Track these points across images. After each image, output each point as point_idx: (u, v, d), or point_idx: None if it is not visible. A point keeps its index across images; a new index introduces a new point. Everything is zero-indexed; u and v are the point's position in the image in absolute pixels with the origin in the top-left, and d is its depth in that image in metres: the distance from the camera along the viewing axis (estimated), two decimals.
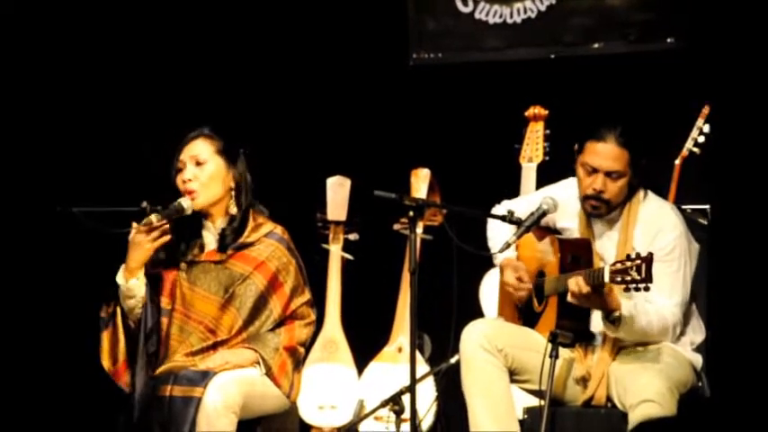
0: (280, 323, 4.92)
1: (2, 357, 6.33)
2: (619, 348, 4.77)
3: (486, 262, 5.45)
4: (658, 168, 5.59)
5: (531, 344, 4.80)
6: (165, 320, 4.88)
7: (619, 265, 4.47)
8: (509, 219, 4.78)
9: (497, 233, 5.09)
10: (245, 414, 4.74)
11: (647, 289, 4.43)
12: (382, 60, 6.70)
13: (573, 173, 4.92)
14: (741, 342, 5.80)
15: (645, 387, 4.56)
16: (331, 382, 6.22)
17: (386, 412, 5.17)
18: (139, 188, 5.00)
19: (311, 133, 6.72)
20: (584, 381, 4.78)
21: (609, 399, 4.74)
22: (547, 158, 5.97)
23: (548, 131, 6.02)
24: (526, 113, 6.09)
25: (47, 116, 6.51)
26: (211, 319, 4.88)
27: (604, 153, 4.78)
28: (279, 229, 4.99)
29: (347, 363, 6.27)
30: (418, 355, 5.58)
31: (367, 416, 5.63)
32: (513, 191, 5.89)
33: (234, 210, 4.94)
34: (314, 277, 5.15)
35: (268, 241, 4.95)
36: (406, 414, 4.88)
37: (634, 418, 4.53)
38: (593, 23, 6.51)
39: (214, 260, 4.91)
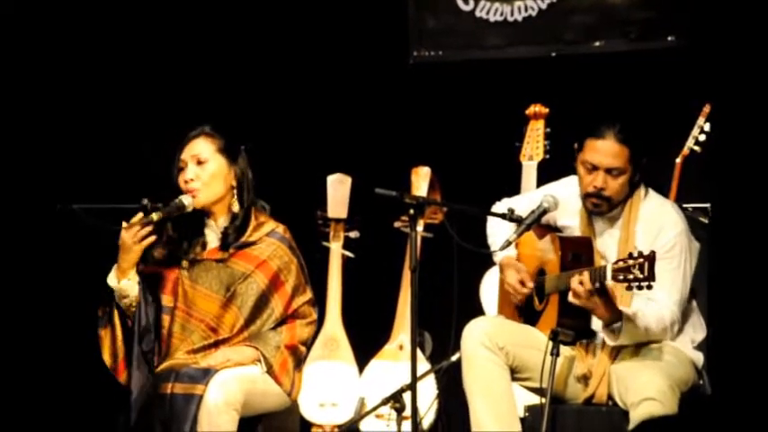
0: (281, 322, 4.92)
1: (2, 356, 6.32)
2: (620, 347, 4.77)
3: (487, 260, 5.44)
4: (659, 167, 5.58)
5: (533, 342, 4.79)
6: (166, 318, 4.88)
7: (621, 264, 4.46)
8: (509, 217, 4.78)
9: (498, 231, 5.08)
10: (246, 411, 4.74)
11: (649, 287, 4.43)
12: (383, 58, 6.69)
13: (573, 171, 4.92)
14: (742, 340, 5.77)
15: (646, 385, 4.56)
16: (332, 380, 6.22)
17: (387, 410, 5.18)
18: (140, 186, 4.99)
19: (312, 131, 6.71)
20: (585, 379, 4.78)
21: (610, 397, 4.74)
22: (547, 157, 5.96)
23: (548, 129, 6.02)
24: (527, 111, 6.08)
25: (47, 114, 6.50)
26: (213, 318, 4.88)
27: (604, 150, 4.77)
28: (280, 228, 4.99)
29: (348, 360, 6.26)
30: (419, 352, 5.57)
31: (368, 414, 5.63)
32: (514, 189, 5.89)
33: (236, 207, 4.94)
34: (315, 275, 5.16)
35: (270, 240, 4.95)
36: (407, 412, 4.88)
37: (635, 416, 4.53)
38: (594, 21, 6.50)
39: (216, 258, 4.91)
